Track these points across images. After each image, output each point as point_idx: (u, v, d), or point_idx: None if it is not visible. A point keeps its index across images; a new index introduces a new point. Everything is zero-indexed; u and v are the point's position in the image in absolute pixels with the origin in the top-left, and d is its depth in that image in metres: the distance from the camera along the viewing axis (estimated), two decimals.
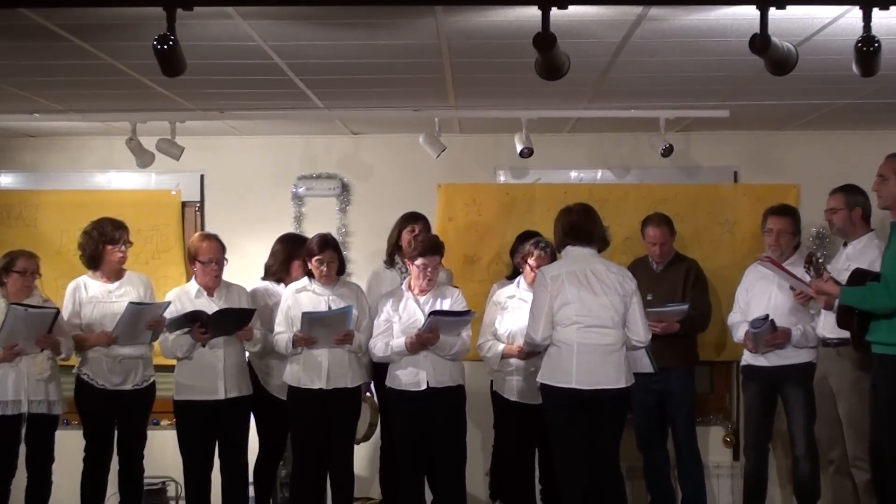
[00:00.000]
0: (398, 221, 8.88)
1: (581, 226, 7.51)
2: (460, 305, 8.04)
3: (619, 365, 7.36)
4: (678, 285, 8.74)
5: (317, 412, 8.12)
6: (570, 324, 7.31)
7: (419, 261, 7.96)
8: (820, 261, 7.61)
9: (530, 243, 8.22)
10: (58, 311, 8.05)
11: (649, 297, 8.45)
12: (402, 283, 8.36)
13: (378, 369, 8.45)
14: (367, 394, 8.78)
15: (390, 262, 8.87)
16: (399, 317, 8.01)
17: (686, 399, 8.74)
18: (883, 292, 7.07)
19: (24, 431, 8.09)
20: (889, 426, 7.17)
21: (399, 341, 7.91)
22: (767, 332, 8.28)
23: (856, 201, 8.03)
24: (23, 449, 8.19)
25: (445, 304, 8.00)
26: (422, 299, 8.03)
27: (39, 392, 8.04)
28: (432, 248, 8.04)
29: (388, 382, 8.10)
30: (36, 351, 7.99)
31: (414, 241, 8.25)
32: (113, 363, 8.22)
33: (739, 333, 8.59)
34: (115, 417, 8.35)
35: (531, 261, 8.08)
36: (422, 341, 7.82)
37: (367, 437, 8.91)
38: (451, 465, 8.07)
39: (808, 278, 7.72)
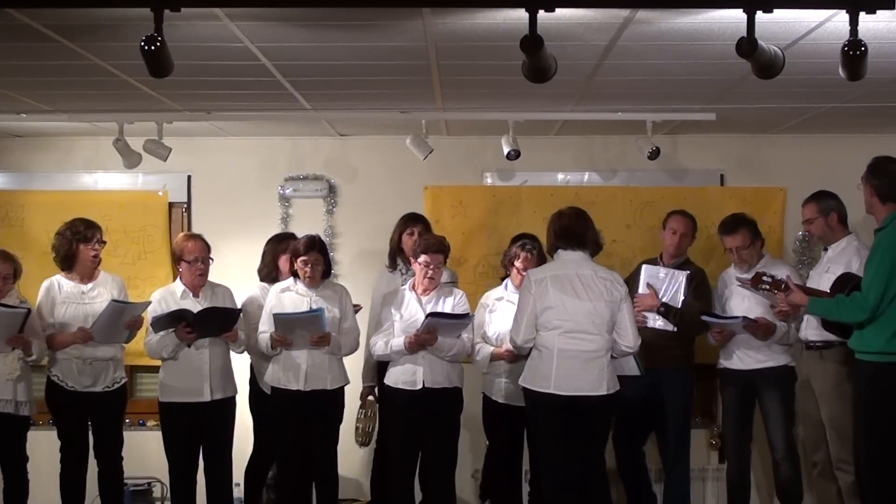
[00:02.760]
0: (398, 223, 8.89)
1: (572, 229, 7.47)
2: (462, 307, 8.05)
3: (601, 371, 7.30)
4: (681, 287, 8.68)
5: (296, 413, 8.13)
6: (553, 328, 7.28)
7: (422, 258, 7.97)
8: (769, 279, 7.66)
9: (516, 245, 8.22)
10: (29, 311, 8.02)
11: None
12: (402, 284, 8.40)
13: (382, 373, 8.38)
14: (370, 397, 8.79)
15: (392, 265, 8.86)
16: (400, 316, 8.02)
17: (683, 403, 8.66)
18: (849, 305, 7.19)
19: None
20: (863, 429, 7.27)
21: (398, 340, 7.91)
22: (739, 325, 8.33)
23: (828, 206, 8.09)
24: None
25: (447, 305, 8.01)
26: (424, 299, 8.03)
27: (7, 392, 8.01)
28: (435, 246, 8.04)
29: (386, 380, 8.12)
30: (7, 350, 7.98)
31: (419, 240, 8.27)
32: (83, 365, 8.20)
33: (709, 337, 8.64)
34: (87, 418, 8.34)
35: (517, 263, 8.10)
36: (420, 342, 7.83)
37: (369, 441, 8.90)
38: (442, 467, 8.08)
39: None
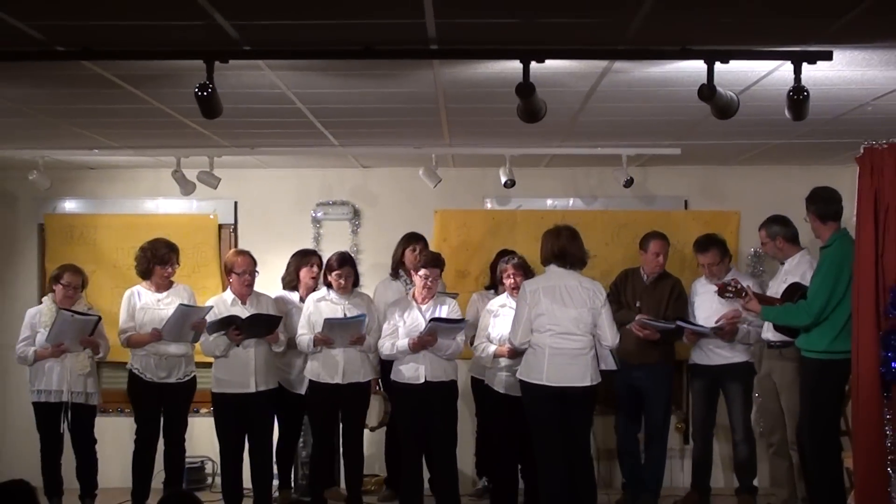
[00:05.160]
0: (401, 240, 8.94)
1: (568, 250, 7.56)
2: (456, 313, 8.10)
3: (585, 366, 7.40)
4: (664, 298, 8.62)
5: (333, 403, 8.22)
6: (545, 331, 7.38)
7: (422, 272, 8.02)
8: (732, 288, 7.73)
9: (503, 260, 8.32)
10: (99, 318, 8.16)
11: (637, 304, 8.58)
12: (406, 293, 8.45)
13: (384, 367, 8.46)
14: (377, 388, 8.78)
15: (395, 275, 8.91)
16: (404, 321, 8.04)
17: (662, 394, 8.64)
18: (795, 311, 7.36)
19: (67, 418, 8.16)
20: (809, 418, 7.34)
21: (403, 342, 7.94)
22: (709, 331, 8.41)
23: (774, 231, 8.17)
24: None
25: (443, 311, 8.04)
26: (423, 307, 8.06)
27: (79, 385, 8.15)
28: (433, 261, 8.13)
29: (393, 377, 8.14)
30: (79, 350, 8.08)
31: (419, 257, 8.35)
32: (160, 360, 8.25)
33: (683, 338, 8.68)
34: (161, 406, 8.36)
35: (505, 276, 8.18)
36: (422, 343, 7.86)
37: (381, 425, 8.91)
38: (444, 447, 8.10)
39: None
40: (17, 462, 8.96)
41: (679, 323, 8.46)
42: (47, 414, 8.17)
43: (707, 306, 8.51)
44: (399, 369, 8.08)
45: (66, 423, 8.18)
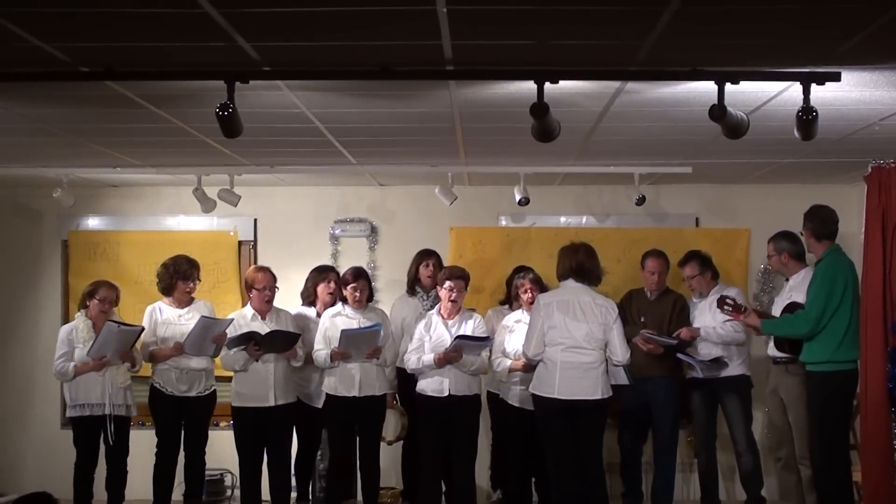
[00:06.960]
0: (415, 257, 8.92)
1: (585, 265, 7.56)
2: (481, 329, 8.08)
3: (596, 380, 7.38)
4: (667, 313, 8.64)
5: (349, 416, 8.17)
6: (556, 344, 7.37)
7: (447, 284, 8.01)
8: (731, 302, 7.78)
9: (519, 275, 8.37)
10: (142, 329, 8.14)
11: (642, 320, 8.61)
12: (422, 309, 8.49)
13: (402, 381, 8.50)
14: (394, 402, 8.76)
15: (411, 292, 8.88)
16: (430, 336, 8.03)
17: (669, 406, 8.63)
18: (794, 321, 7.43)
19: (108, 430, 8.11)
20: (817, 429, 7.29)
21: (428, 357, 7.93)
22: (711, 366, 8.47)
23: (781, 247, 8.18)
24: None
25: (469, 327, 8.04)
26: (449, 323, 8.05)
27: (120, 397, 8.12)
28: (458, 273, 8.12)
29: (418, 389, 8.11)
30: (119, 363, 8.05)
31: (444, 269, 8.36)
32: (181, 374, 8.24)
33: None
34: (181, 419, 8.36)
35: (521, 291, 8.19)
36: (447, 358, 7.85)
37: (399, 439, 8.90)
38: (464, 460, 8.09)
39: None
40: (40, 474, 8.99)
41: (679, 356, 8.49)
42: (89, 428, 8.13)
43: (699, 322, 8.58)
44: (424, 382, 8.06)
45: (108, 435, 8.11)
